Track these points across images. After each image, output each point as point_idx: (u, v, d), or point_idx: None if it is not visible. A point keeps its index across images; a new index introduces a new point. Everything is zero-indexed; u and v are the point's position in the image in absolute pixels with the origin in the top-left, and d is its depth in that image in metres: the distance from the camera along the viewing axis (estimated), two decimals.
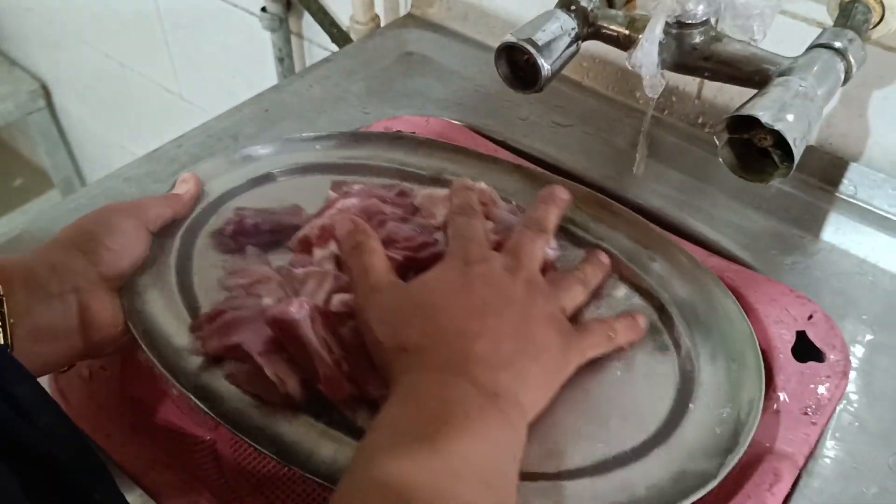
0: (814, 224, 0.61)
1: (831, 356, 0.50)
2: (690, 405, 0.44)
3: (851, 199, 0.63)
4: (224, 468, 0.54)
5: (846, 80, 0.48)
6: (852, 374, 0.50)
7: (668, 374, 0.46)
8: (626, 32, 0.52)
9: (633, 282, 0.51)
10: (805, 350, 0.50)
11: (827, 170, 0.64)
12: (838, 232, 0.61)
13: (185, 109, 1.41)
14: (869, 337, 0.53)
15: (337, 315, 0.45)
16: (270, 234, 0.52)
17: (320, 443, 0.41)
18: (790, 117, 0.42)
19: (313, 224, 0.51)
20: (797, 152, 0.42)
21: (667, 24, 0.49)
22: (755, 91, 0.46)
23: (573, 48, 0.53)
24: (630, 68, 0.50)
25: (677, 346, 0.47)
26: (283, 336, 0.43)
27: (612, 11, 0.53)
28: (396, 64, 0.80)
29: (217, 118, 0.71)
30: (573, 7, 0.52)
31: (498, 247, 0.47)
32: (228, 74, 1.25)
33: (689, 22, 0.49)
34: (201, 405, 0.42)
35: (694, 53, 0.50)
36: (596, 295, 0.50)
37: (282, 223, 0.52)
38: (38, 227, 0.60)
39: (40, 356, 0.42)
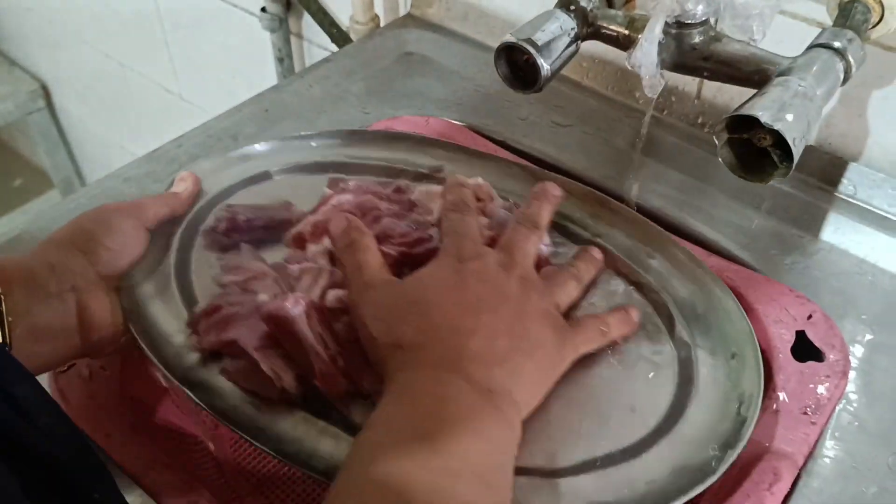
0: (813, 224, 0.61)
1: (831, 356, 0.50)
2: (690, 401, 0.44)
3: (851, 199, 0.63)
4: (224, 468, 0.54)
5: (845, 79, 0.48)
6: (852, 374, 0.50)
7: (667, 371, 0.46)
8: (626, 32, 0.52)
9: (632, 279, 0.51)
10: (804, 350, 0.51)
11: (826, 169, 0.64)
12: (838, 232, 0.61)
13: (185, 109, 1.41)
14: (868, 337, 0.53)
15: (332, 311, 0.45)
16: (264, 229, 0.52)
17: (316, 438, 0.41)
18: (789, 117, 0.42)
19: (307, 220, 0.51)
20: (796, 152, 0.42)
21: (666, 24, 0.49)
22: (755, 91, 0.46)
23: (573, 48, 0.53)
24: (629, 68, 0.50)
25: (676, 342, 0.47)
26: (279, 332, 0.43)
27: (612, 11, 0.53)
28: (396, 64, 0.80)
29: (217, 118, 0.71)
30: (573, 7, 0.52)
31: (492, 243, 0.47)
32: (228, 74, 1.25)
33: (689, 22, 0.49)
34: (201, 403, 0.42)
35: (693, 53, 0.50)
36: (593, 290, 0.50)
37: (274, 218, 0.52)
38: (37, 228, 0.60)
39: (39, 355, 0.43)
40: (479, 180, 0.54)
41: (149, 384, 0.52)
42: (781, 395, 0.48)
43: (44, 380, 0.50)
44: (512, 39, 0.51)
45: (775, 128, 0.42)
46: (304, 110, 0.73)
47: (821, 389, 0.48)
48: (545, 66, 0.51)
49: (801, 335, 0.51)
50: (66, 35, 1.59)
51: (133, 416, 0.49)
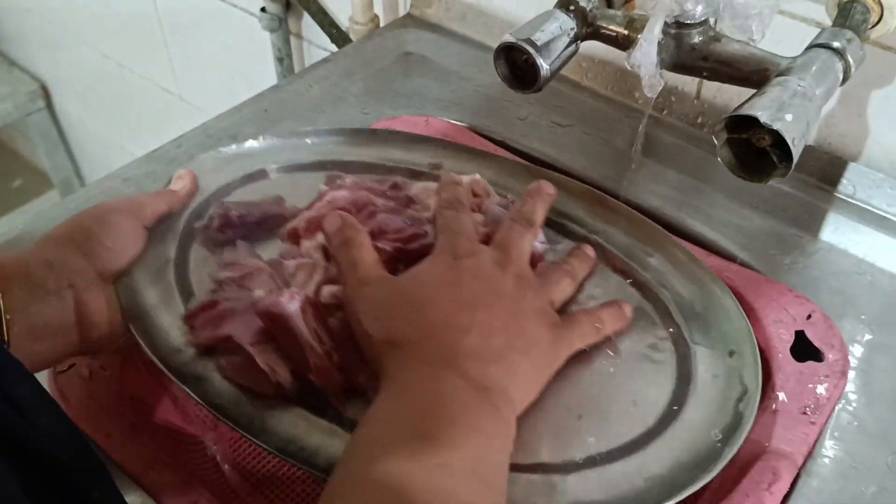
0: (812, 224, 0.61)
1: (830, 356, 0.50)
2: (688, 398, 0.44)
3: (850, 199, 0.63)
4: (224, 468, 0.54)
5: (845, 79, 0.48)
6: (851, 374, 0.50)
7: (665, 368, 0.46)
8: (625, 32, 0.52)
9: (631, 276, 0.51)
10: (804, 350, 0.51)
11: (826, 169, 0.64)
12: (837, 231, 0.61)
13: (185, 110, 1.41)
14: (868, 336, 0.53)
15: (326, 306, 0.45)
16: (258, 224, 0.52)
17: (311, 433, 0.41)
18: (789, 117, 0.42)
19: (302, 216, 0.51)
20: (796, 152, 0.42)
21: (665, 24, 0.49)
22: (754, 91, 0.46)
23: (572, 48, 0.53)
24: (629, 68, 0.50)
25: (674, 339, 0.48)
26: (274, 327, 0.43)
27: (611, 11, 0.53)
28: (395, 64, 0.80)
29: (216, 118, 0.71)
30: (572, 7, 0.52)
31: (486, 240, 0.47)
32: (228, 75, 1.25)
33: (688, 22, 0.49)
34: (197, 398, 0.42)
35: (693, 53, 0.50)
36: (591, 288, 0.50)
37: (267, 213, 0.52)
38: (37, 228, 0.60)
39: (37, 353, 0.43)
40: (477, 176, 0.54)
41: (149, 384, 0.52)
42: (781, 395, 0.48)
43: (44, 380, 0.50)
44: (511, 39, 0.51)
45: (774, 128, 0.42)
46: (304, 110, 0.73)
47: (820, 389, 0.48)
48: (544, 66, 0.51)
49: (800, 335, 0.51)
50: (66, 35, 1.59)
51: (133, 416, 0.49)
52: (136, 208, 0.49)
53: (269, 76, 1.13)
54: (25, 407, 0.35)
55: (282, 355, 0.43)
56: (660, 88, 0.50)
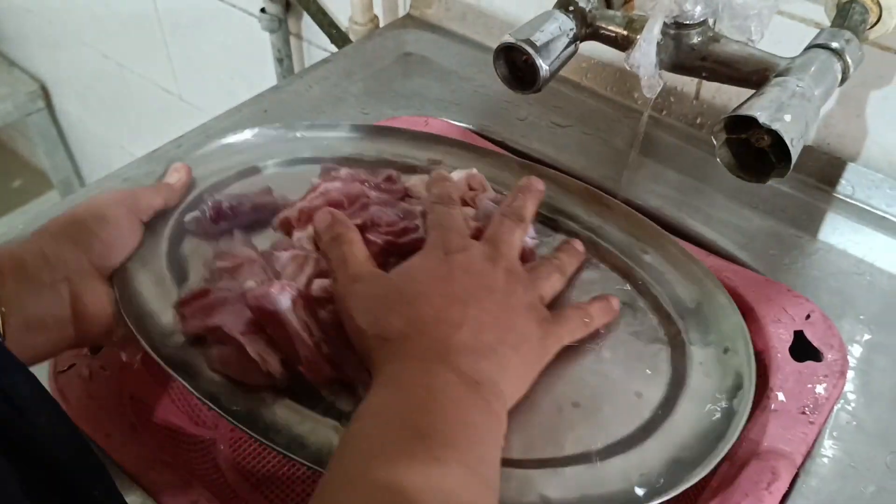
0: (811, 224, 0.62)
1: (829, 356, 0.50)
2: (682, 394, 0.44)
3: (849, 199, 0.63)
4: (223, 467, 0.54)
5: (843, 80, 0.48)
6: (850, 374, 0.50)
7: (660, 364, 0.46)
8: (625, 33, 0.52)
9: (626, 272, 0.51)
10: (803, 350, 0.51)
11: (825, 170, 0.64)
12: (836, 232, 0.61)
13: (185, 110, 1.41)
14: (867, 336, 0.53)
15: (317, 299, 0.45)
16: (252, 213, 0.52)
17: (302, 423, 0.41)
18: (787, 117, 0.42)
19: (294, 206, 0.51)
20: (794, 152, 0.42)
21: (665, 24, 0.49)
22: (753, 91, 0.46)
23: (571, 49, 0.53)
24: (628, 69, 0.50)
25: (669, 336, 0.48)
26: (264, 319, 0.43)
27: (611, 12, 0.53)
28: (395, 64, 0.80)
29: (216, 119, 0.71)
30: (571, 8, 0.52)
31: (477, 234, 0.48)
32: (227, 75, 1.25)
33: (687, 22, 0.49)
34: (192, 389, 0.42)
35: (692, 54, 0.50)
36: (587, 286, 0.50)
37: (257, 203, 0.52)
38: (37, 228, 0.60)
39: (33, 346, 0.42)
40: (473, 170, 0.54)
41: (149, 384, 0.52)
42: (780, 395, 0.48)
43: (44, 380, 0.50)
44: (511, 40, 0.51)
45: (773, 128, 0.42)
46: (304, 111, 0.73)
47: (819, 389, 0.48)
48: (544, 66, 0.51)
49: (799, 335, 0.51)
50: (66, 36, 1.59)
51: (133, 416, 0.49)
52: (131, 201, 0.49)
53: (268, 76, 1.13)
54: (25, 406, 0.35)
55: (272, 346, 0.43)
56: (659, 89, 0.50)
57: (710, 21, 0.50)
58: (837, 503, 0.45)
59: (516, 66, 0.53)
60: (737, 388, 0.44)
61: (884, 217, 0.62)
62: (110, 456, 0.46)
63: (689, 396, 0.44)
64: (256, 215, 0.52)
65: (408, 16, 0.88)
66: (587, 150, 0.68)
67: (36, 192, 2.09)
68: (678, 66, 0.51)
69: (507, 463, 0.39)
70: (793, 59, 0.47)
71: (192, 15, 1.24)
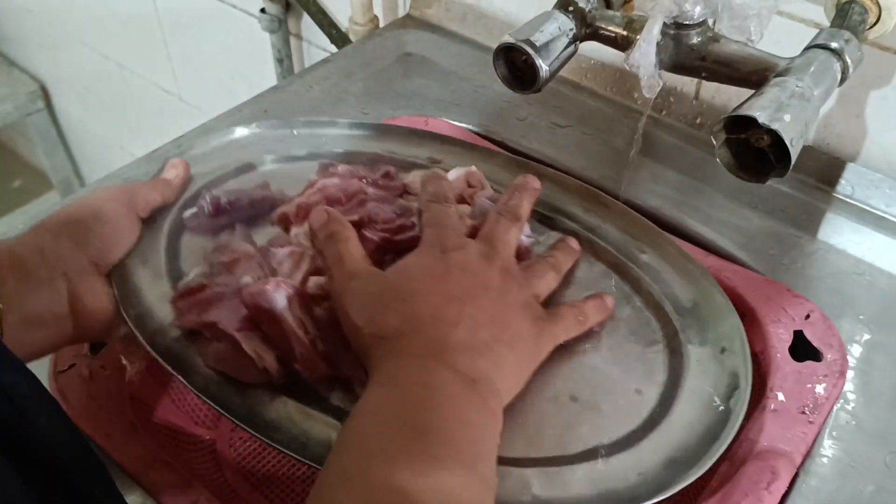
0: (811, 224, 0.62)
1: (828, 355, 0.50)
2: (679, 394, 0.45)
3: (848, 199, 0.63)
4: (223, 467, 0.54)
5: (843, 80, 0.48)
6: (849, 374, 0.50)
7: (657, 363, 0.46)
8: (624, 33, 0.52)
9: (623, 271, 0.51)
10: (802, 349, 0.51)
11: (824, 170, 0.64)
12: (835, 232, 0.61)
13: (185, 110, 1.41)
14: (866, 336, 0.53)
15: (313, 297, 0.45)
16: (250, 208, 0.52)
17: (299, 421, 0.41)
18: (787, 117, 0.42)
19: (292, 201, 0.51)
20: (794, 152, 0.42)
21: (664, 24, 0.49)
22: (752, 91, 0.46)
23: (571, 49, 0.53)
24: (628, 69, 0.50)
25: (666, 336, 0.48)
26: (260, 316, 0.43)
27: (610, 12, 0.53)
28: (395, 65, 0.80)
29: (216, 119, 0.71)
30: (571, 8, 0.53)
31: (473, 233, 0.48)
32: (227, 75, 1.25)
33: (687, 23, 0.49)
34: (200, 395, 0.42)
35: (691, 54, 0.50)
36: (584, 285, 0.50)
37: (254, 198, 0.52)
38: None
39: (31, 343, 0.42)
40: (472, 168, 0.54)
41: (149, 384, 0.52)
42: (779, 395, 0.48)
43: (44, 379, 0.50)
44: (511, 40, 0.51)
45: (773, 128, 0.42)
46: (304, 111, 0.73)
47: (819, 389, 0.48)
48: (544, 66, 0.51)
49: (798, 335, 0.51)
50: (66, 36, 1.59)
51: (133, 416, 0.49)
52: (129, 197, 0.49)
53: (268, 77, 1.13)
54: (25, 406, 0.35)
55: (267, 343, 0.43)
56: (658, 89, 0.51)
57: (710, 21, 0.50)
58: (837, 503, 0.45)
59: (516, 66, 0.53)
60: (733, 388, 0.45)
61: (883, 217, 0.62)
62: (110, 456, 0.46)
63: (686, 396, 0.44)
64: (255, 210, 0.52)
65: (408, 16, 0.88)
66: (587, 151, 0.68)
67: (36, 192, 2.09)
68: (678, 67, 0.51)
69: (503, 461, 0.39)
70: (792, 59, 0.47)
71: (192, 15, 1.24)
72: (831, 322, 0.52)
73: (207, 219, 0.51)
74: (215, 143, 0.58)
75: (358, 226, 0.48)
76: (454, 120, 0.71)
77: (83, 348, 0.51)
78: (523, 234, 0.49)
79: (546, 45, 0.51)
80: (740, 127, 0.44)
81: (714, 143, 0.46)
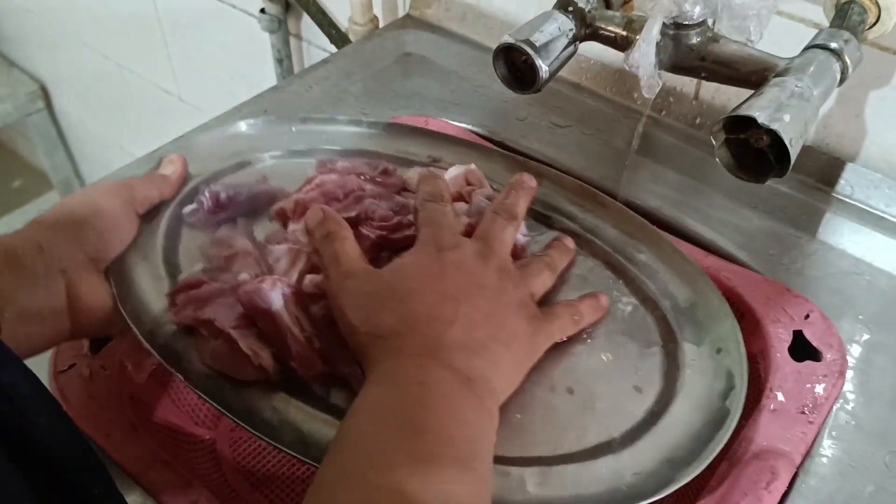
0: (810, 224, 0.62)
1: (828, 355, 0.50)
2: (676, 394, 0.45)
3: (848, 199, 0.63)
4: (223, 467, 0.54)
5: (842, 80, 0.48)
6: (849, 374, 0.51)
7: (654, 363, 0.46)
8: (624, 33, 0.52)
9: (620, 271, 0.52)
10: (802, 349, 0.51)
11: (824, 170, 0.64)
12: (835, 232, 0.61)
13: (184, 110, 1.41)
14: (866, 336, 0.53)
15: (309, 295, 0.45)
16: (249, 203, 0.52)
17: (295, 418, 0.41)
18: (786, 118, 0.42)
19: (290, 197, 0.51)
20: (793, 152, 0.42)
21: (664, 25, 0.49)
22: (752, 92, 0.46)
23: (571, 49, 0.53)
24: (627, 69, 0.50)
25: (663, 335, 0.48)
26: (256, 314, 0.43)
27: (610, 12, 0.53)
28: (395, 65, 0.80)
29: (216, 119, 0.71)
30: (571, 8, 0.53)
31: (469, 231, 0.48)
32: (227, 75, 1.25)
33: (686, 23, 0.49)
34: (202, 394, 0.42)
35: (691, 54, 0.50)
36: (581, 284, 0.51)
37: (254, 192, 0.52)
38: None
39: (29, 339, 0.42)
40: (472, 166, 0.55)
41: (149, 384, 0.52)
42: (779, 395, 0.48)
43: (44, 379, 0.50)
44: (510, 40, 0.51)
45: (772, 128, 0.42)
46: (304, 111, 0.73)
47: (818, 389, 0.48)
48: (543, 66, 0.51)
49: (798, 335, 0.51)
50: (66, 36, 1.59)
51: (133, 416, 0.49)
52: (126, 192, 0.49)
53: (268, 77, 1.13)
54: (25, 406, 0.35)
55: (263, 341, 0.43)
56: (658, 89, 0.51)
57: (710, 21, 0.50)
58: (836, 502, 0.45)
59: (516, 66, 0.53)
60: (729, 388, 0.45)
61: (882, 217, 0.62)
62: (110, 456, 0.46)
63: (683, 396, 0.44)
64: (254, 204, 0.52)
65: (407, 16, 0.88)
66: (587, 151, 0.68)
67: (36, 192, 2.09)
68: (677, 67, 0.51)
69: (499, 460, 0.39)
70: (792, 59, 0.47)
71: (192, 15, 1.24)
72: (831, 322, 0.52)
73: (207, 214, 0.51)
74: (213, 139, 0.58)
75: (355, 223, 0.48)
76: (454, 120, 0.71)
77: (83, 348, 0.51)
78: (519, 232, 0.49)
79: (546, 45, 0.51)
80: (740, 127, 0.44)
81: (713, 143, 0.46)
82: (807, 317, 0.52)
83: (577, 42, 0.53)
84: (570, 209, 0.56)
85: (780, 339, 0.51)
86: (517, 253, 0.49)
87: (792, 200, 0.63)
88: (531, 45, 0.51)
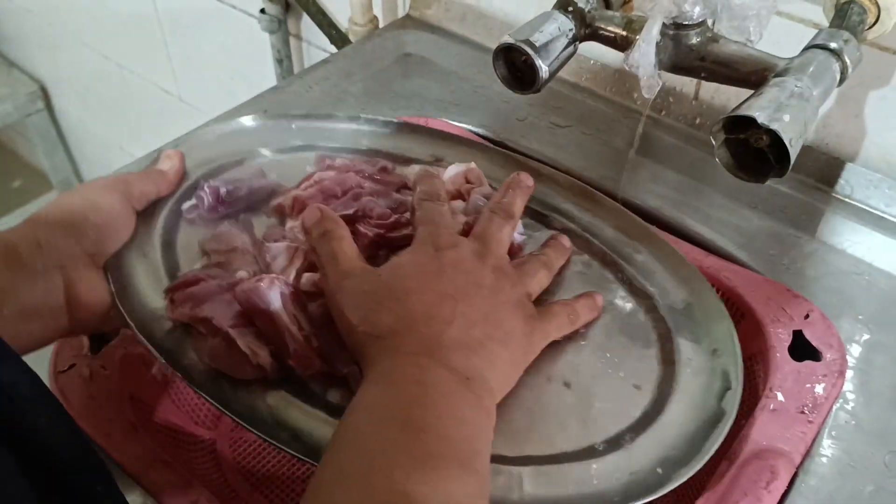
0: (810, 224, 0.62)
1: (828, 355, 0.50)
2: (672, 394, 0.45)
3: (848, 199, 0.63)
4: (223, 467, 0.54)
5: (842, 80, 0.48)
6: (849, 373, 0.51)
7: (650, 363, 0.46)
8: (624, 33, 0.52)
9: (617, 271, 0.52)
10: (802, 349, 0.51)
11: (823, 170, 0.64)
12: (835, 232, 0.61)
13: (184, 111, 1.41)
14: (865, 336, 0.53)
15: (307, 293, 0.45)
16: (248, 198, 0.52)
17: (293, 416, 0.41)
18: (786, 117, 0.42)
19: (289, 193, 0.51)
20: (793, 152, 0.42)
21: (663, 25, 0.49)
22: (752, 92, 0.46)
23: (571, 49, 0.53)
24: (627, 69, 0.50)
25: (660, 335, 0.48)
26: (253, 312, 0.43)
27: (609, 13, 0.53)
28: (395, 65, 0.80)
29: (216, 119, 0.71)
30: (570, 8, 0.53)
31: (466, 230, 0.48)
32: (227, 76, 1.25)
33: (686, 23, 0.49)
34: (199, 391, 0.42)
35: (691, 54, 0.50)
36: (579, 283, 0.51)
37: (253, 187, 0.52)
38: None
39: (27, 334, 0.42)
40: (472, 164, 0.54)
41: (149, 384, 0.52)
42: (779, 395, 0.48)
43: (44, 379, 0.50)
44: (510, 40, 0.51)
45: (772, 128, 0.42)
46: (304, 111, 0.73)
47: (818, 389, 0.48)
48: (543, 67, 0.51)
49: (798, 335, 0.51)
50: (65, 36, 1.59)
51: (133, 416, 0.49)
52: (124, 188, 0.49)
53: (268, 77, 1.13)
54: (26, 406, 0.35)
55: (261, 339, 0.43)
56: (658, 89, 0.51)
57: (709, 21, 0.50)
58: (836, 502, 0.45)
59: (516, 66, 0.54)
60: (725, 388, 0.45)
61: (882, 217, 0.62)
62: (110, 456, 0.46)
63: (679, 396, 0.45)
64: (252, 200, 0.52)
65: (407, 16, 0.88)
66: (586, 151, 0.68)
67: (36, 192, 2.09)
68: (677, 67, 0.51)
69: (495, 459, 0.39)
70: (791, 59, 0.47)
71: (191, 15, 1.24)
72: (830, 322, 0.52)
73: (207, 209, 0.51)
74: (212, 136, 0.58)
75: (352, 220, 0.48)
76: (454, 120, 0.71)
77: (83, 348, 0.51)
78: (516, 231, 0.49)
79: (545, 45, 0.51)
80: (739, 127, 0.44)
81: (713, 143, 0.46)
82: (806, 317, 0.52)
83: (577, 42, 0.53)
84: (567, 208, 0.56)
85: (779, 339, 0.51)
86: (514, 252, 0.49)
87: (792, 200, 0.63)
88: (531, 45, 0.51)
